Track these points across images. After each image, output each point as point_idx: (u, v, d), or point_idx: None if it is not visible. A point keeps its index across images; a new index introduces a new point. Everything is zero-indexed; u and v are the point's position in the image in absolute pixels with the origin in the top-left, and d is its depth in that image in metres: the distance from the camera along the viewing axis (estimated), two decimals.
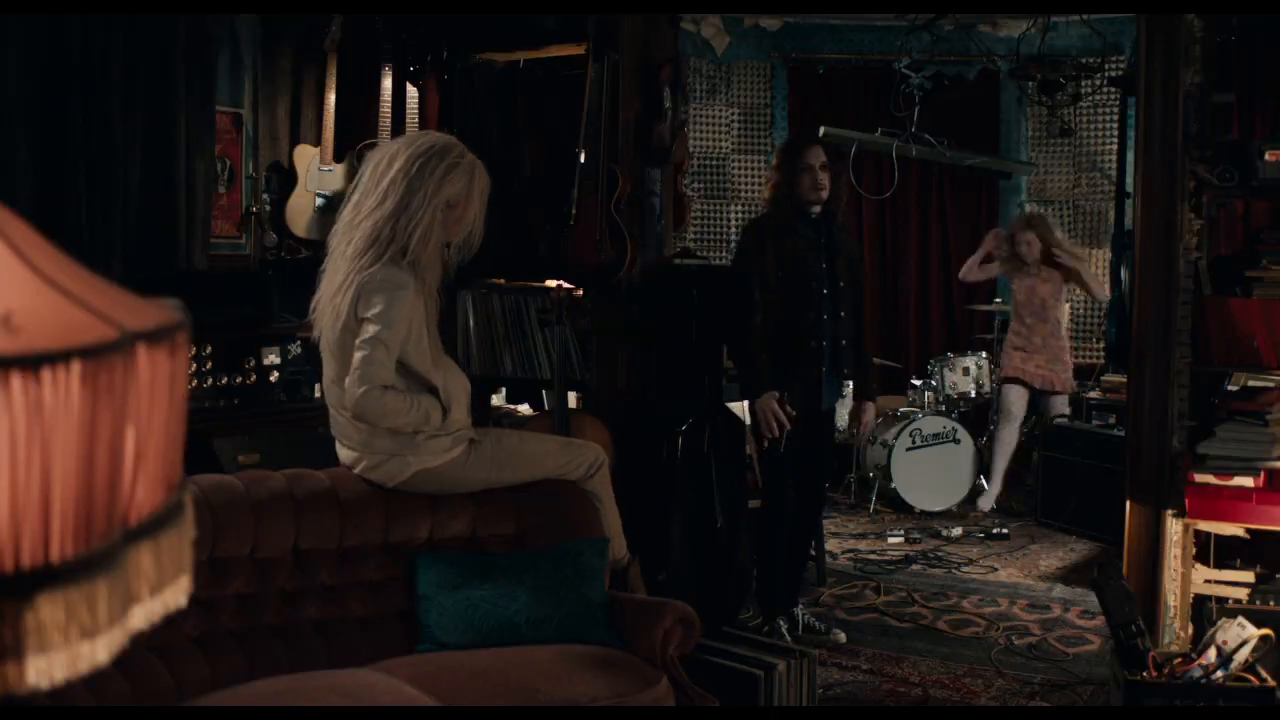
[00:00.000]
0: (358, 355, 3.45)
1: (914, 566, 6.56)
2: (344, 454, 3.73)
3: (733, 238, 9.48)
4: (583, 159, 5.31)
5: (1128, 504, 4.55)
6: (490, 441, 3.79)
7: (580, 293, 5.55)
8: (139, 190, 5.55)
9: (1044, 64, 7.24)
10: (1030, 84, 7.57)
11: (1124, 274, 6.48)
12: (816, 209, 5.12)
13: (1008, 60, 8.32)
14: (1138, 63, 4.43)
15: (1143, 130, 4.34)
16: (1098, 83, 7.85)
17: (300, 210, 6.38)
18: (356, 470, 3.69)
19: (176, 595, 1.33)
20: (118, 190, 5.44)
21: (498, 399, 6.37)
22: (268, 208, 6.40)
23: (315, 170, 6.35)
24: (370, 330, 3.45)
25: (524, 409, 6.22)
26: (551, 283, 5.66)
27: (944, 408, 8.00)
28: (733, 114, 9.49)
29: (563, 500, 3.87)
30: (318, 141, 6.41)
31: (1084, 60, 8.20)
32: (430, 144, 3.57)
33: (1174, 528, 4.41)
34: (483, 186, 3.59)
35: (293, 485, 3.60)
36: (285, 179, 6.43)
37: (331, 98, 6.32)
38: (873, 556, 6.72)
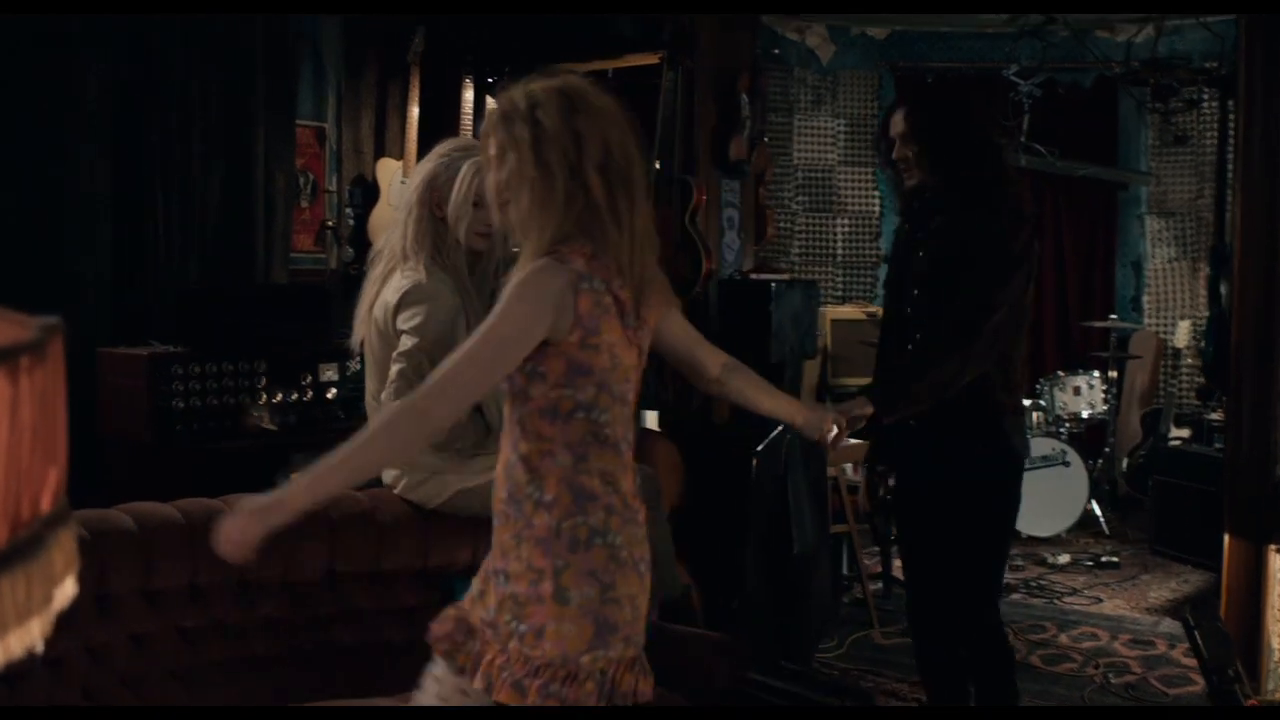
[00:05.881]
0: (394, 369, 3.34)
1: (1014, 595, 6.25)
2: (387, 476, 3.62)
3: (840, 251, 9.25)
4: (657, 168, 5.16)
5: (1226, 537, 4.24)
6: None
7: None
8: (217, 204, 5.54)
9: (1157, 69, 6.88)
10: (1144, 90, 7.22)
11: (1223, 289, 6.11)
12: (910, 186, 3.75)
13: (1123, 66, 7.97)
14: (1238, 63, 4.13)
15: (1242, 135, 4.04)
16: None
17: (383, 224, 6.32)
18: (397, 490, 3.58)
19: (22, 639, 1.21)
20: (195, 203, 5.44)
21: None
22: (351, 221, 6.36)
23: (397, 183, 6.29)
24: (407, 343, 3.34)
25: None
26: None
27: (1054, 429, 7.65)
28: (839, 125, 9.25)
29: None
30: (401, 154, 6.35)
31: (1207, 65, 7.80)
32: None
33: (1277, 563, 4.09)
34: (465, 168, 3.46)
35: (329, 506, 3.48)
36: (369, 192, 6.39)
37: (415, 110, 6.26)
38: None
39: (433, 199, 3.46)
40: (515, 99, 2.42)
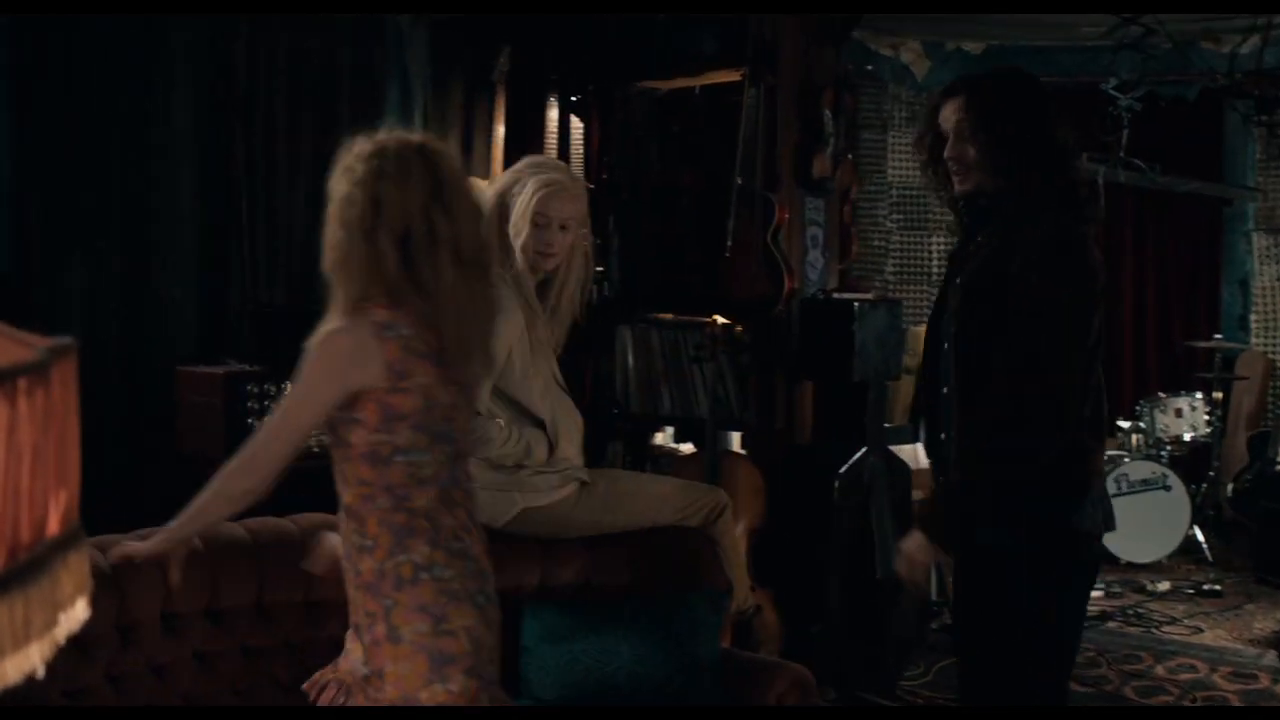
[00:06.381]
0: None
1: (1110, 624, 6.06)
2: None
3: (935, 270, 9.08)
4: (739, 183, 5.10)
5: None
6: (604, 483, 3.59)
7: (740, 328, 5.32)
8: (303, 224, 5.58)
9: (1263, 79, 6.66)
10: (1249, 102, 6.99)
11: None
12: (963, 192, 2.96)
13: (1227, 77, 7.73)
14: None
15: None
16: None
17: None
18: None
19: (20, 664, 1.20)
20: (281, 223, 5.49)
21: (662, 437, 6.18)
22: None
23: None
24: None
25: (687, 448, 6.01)
26: (717, 317, 5.45)
27: (1154, 452, 7.43)
28: None
29: (682, 548, 3.64)
30: (487, 174, 6.36)
31: None
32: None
33: None
34: (553, 207, 3.40)
35: None
36: None
37: (500, 130, 6.27)
38: None
39: (501, 214, 3.44)
40: (349, 150, 2.46)
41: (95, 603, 2.76)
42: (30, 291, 4.84)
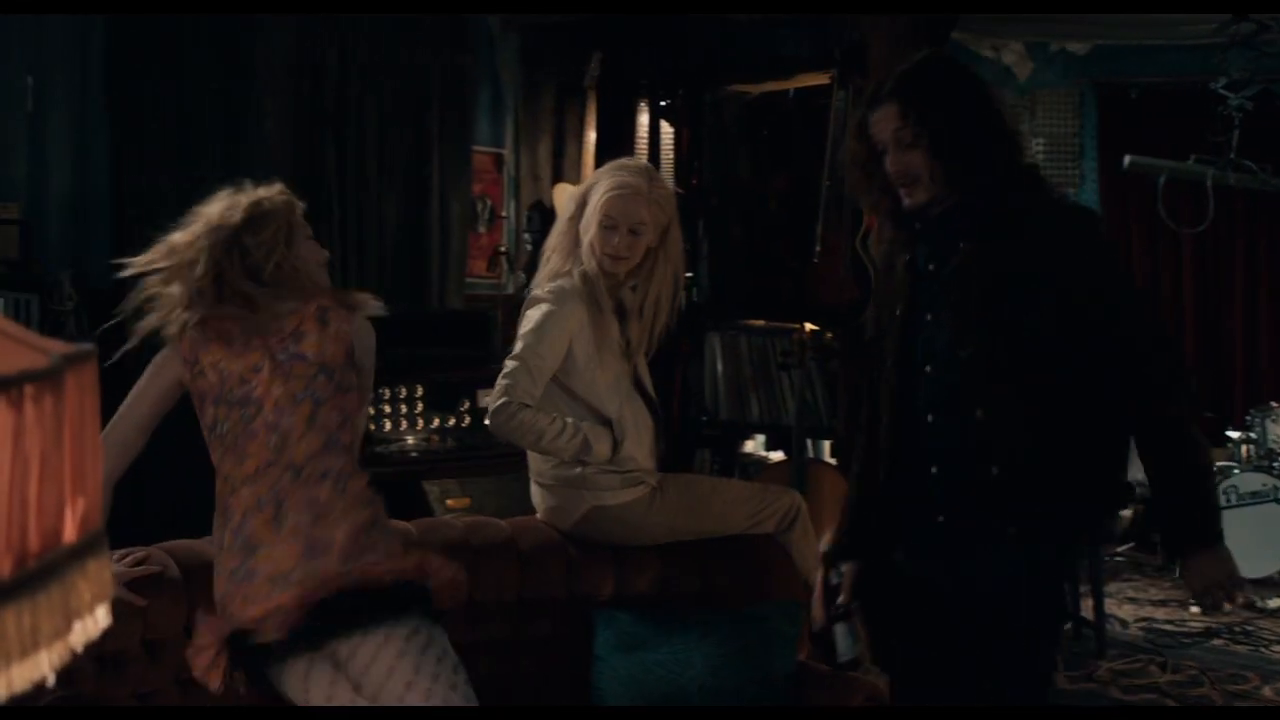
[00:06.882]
0: (501, 372, 3.29)
1: (1215, 641, 5.86)
2: (533, 494, 3.58)
3: None
4: (827, 185, 5.03)
5: None
6: (676, 487, 3.53)
7: (830, 334, 5.25)
8: (393, 230, 5.63)
9: None
10: None
11: None
12: (916, 205, 2.61)
13: None
14: None
15: None
16: None
17: None
18: (540, 513, 3.53)
19: (27, 672, 1.18)
20: (371, 229, 5.54)
21: (753, 445, 6.12)
22: (529, 247, 6.39)
23: None
24: (517, 346, 3.29)
25: (777, 456, 5.95)
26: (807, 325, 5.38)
27: (1264, 463, 7.17)
28: (1038, 144, 8.89)
29: (757, 557, 3.57)
30: (578, 179, 6.36)
31: None
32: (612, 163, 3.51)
33: None
34: (622, 210, 3.34)
35: (470, 534, 3.45)
36: (546, 218, 6.41)
37: (591, 135, 6.27)
38: (1169, 628, 6.06)
39: (580, 212, 3.43)
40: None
41: (165, 608, 2.79)
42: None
